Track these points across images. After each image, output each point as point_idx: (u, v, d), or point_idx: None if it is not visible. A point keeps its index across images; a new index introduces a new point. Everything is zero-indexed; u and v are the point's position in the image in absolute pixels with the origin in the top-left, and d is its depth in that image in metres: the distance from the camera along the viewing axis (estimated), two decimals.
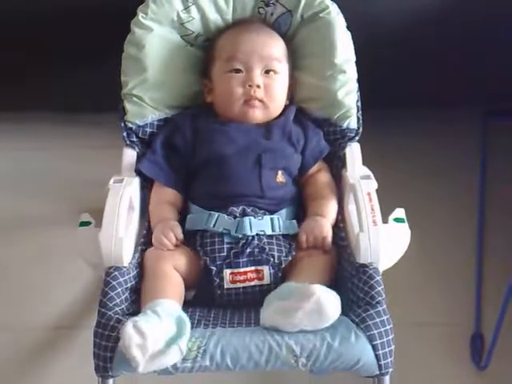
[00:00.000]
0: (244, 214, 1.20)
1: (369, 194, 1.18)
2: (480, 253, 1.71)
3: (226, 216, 1.19)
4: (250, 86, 1.26)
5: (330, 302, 1.02)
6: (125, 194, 1.18)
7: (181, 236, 1.19)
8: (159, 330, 0.98)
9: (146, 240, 1.22)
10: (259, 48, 1.27)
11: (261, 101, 1.27)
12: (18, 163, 1.91)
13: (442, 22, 1.55)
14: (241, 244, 1.16)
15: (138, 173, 1.27)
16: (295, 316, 1.01)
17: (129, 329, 0.97)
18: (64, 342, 1.56)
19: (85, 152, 1.90)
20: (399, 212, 1.27)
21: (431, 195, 1.78)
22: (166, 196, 1.27)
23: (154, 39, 1.29)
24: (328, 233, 1.20)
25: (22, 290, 1.66)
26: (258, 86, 1.26)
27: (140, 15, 1.30)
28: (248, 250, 1.15)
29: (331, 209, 1.25)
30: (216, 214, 1.19)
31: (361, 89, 1.34)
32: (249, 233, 1.17)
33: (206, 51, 1.34)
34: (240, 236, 1.17)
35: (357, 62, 1.33)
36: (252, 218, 1.18)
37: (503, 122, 1.90)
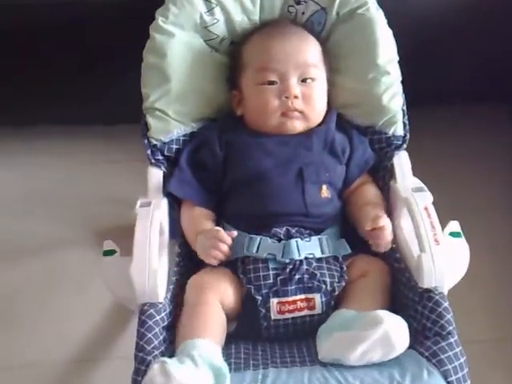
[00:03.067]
0: (289, 235, 1.08)
1: (426, 208, 1.06)
2: None
3: (269, 239, 1.07)
4: (286, 97, 1.14)
5: (399, 331, 0.91)
6: (154, 220, 1.06)
7: (229, 240, 1.05)
8: (193, 377, 0.87)
9: (179, 269, 1.10)
10: (293, 55, 1.15)
11: (301, 112, 1.15)
12: (26, 181, 1.77)
13: (477, 15, 1.45)
14: (288, 270, 1.04)
15: (166, 194, 1.15)
16: (360, 347, 0.90)
17: (154, 369, 0.86)
18: (89, 375, 1.43)
19: (96, 167, 1.77)
20: (454, 225, 1.16)
21: (469, 202, 1.65)
22: (199, 213, 1.15)
23: (176, 45, 1.17)
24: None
25: (37, 319, 1.51)
26: (296, 97, 1.14)
27: (159, 19, 1.18)
28: (297, 277, 1.03)
29: (383, 212, 1.12)
30: (258, 238, 1.07)
31: None
32: (297, 257, 1.05)
33: (232, 57, 1.22)
34: (287, 261, 1.04)
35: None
36: (299, 239, 1.06)
37: None
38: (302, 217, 1.11)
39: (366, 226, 1.06)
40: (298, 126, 1.16)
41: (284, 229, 1.09)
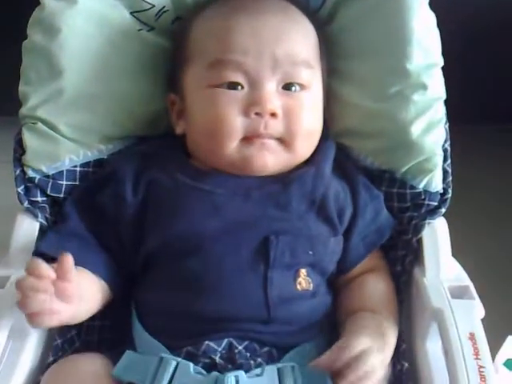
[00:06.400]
0: (230, 356, 0.64)
1: (471, 336, 0.61)
2: None
3: (191, 366, 0.62)
4: (257, 114, 0.68)
5: None
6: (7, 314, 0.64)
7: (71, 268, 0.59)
8: None
9: None
10: (272, 44, 0.69)
11: (279, 139, 0.70)
12: None
13: None
14: None
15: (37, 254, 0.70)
16: None
17: None
18: None
19: None
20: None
21: None
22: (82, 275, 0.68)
23: (79, 18, 0.73)
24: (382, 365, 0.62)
25: None
26: (274, 115, 0.68)
27: None
28: None
29: (391, 332, 0.67)
30: (173, 362, 0.62)
31: None
32: None
33: (175, 43, 0.77)
34: None
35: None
36: (241, 373, 0.61)
37: None
38: (260, 324, 0.66)
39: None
40: (271, 162, 0.70)
41: (225, 342, 0.65)
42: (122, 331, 0.71)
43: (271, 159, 0.70)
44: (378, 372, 0.61)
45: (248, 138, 0.69)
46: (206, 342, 0.64)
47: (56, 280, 0.58)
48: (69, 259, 0.59)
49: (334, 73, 0.76)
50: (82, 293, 0.62)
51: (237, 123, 0.68)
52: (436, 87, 0.73)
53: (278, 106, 0.69)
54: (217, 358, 0.63)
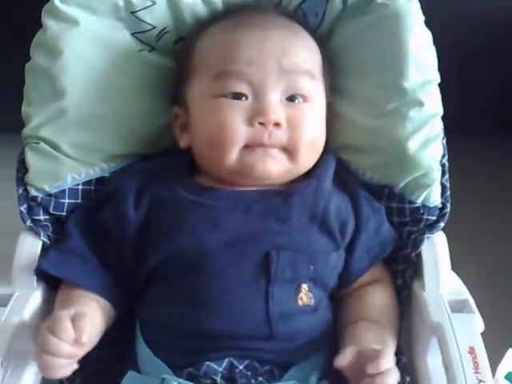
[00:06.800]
0: (231, 375, 0.64)
1: (471, 350, 0.61)
2: None
3: None
4: (261, 123, 0.69)
5: None
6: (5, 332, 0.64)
7: (86, 332, 0.60)
8: None
9: None
10: (276, 55, 0.70)
11: (283, 149, 0.70)
12: None
13: None
14: None
15: (39, 274, 0.70)
16: None
17: None
18: None
19: None
20: None
21: None
22: (81, 293, 0.69)
23: (81, 40, 0.74)
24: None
25: None
26: (277, 124, 0.69)
27: None
28: None
29: (390, 342, 0.67)
30: (174, 383, 0.62)
31: None
32: None
33: (179, 60, 0.78)
34: None
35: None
36: None
37: None
38: (261, 341, 0.66)
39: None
40: (274, 169, 0.70)
41: (226, 362, 0.64)
42: (122, 347, 0.71)
43: (274, 166, 0.70)
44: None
45: (250, 146, 0.69)
46: (207, 363, 0.64)
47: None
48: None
49: (333, 90, 0.77)
50: (91, 335, 0.63)
51: (240, 131, 0.69)
52: (432, 104, 0.74)
53: (281, 116, 0.69)
54: (218, 379, 0.63)
